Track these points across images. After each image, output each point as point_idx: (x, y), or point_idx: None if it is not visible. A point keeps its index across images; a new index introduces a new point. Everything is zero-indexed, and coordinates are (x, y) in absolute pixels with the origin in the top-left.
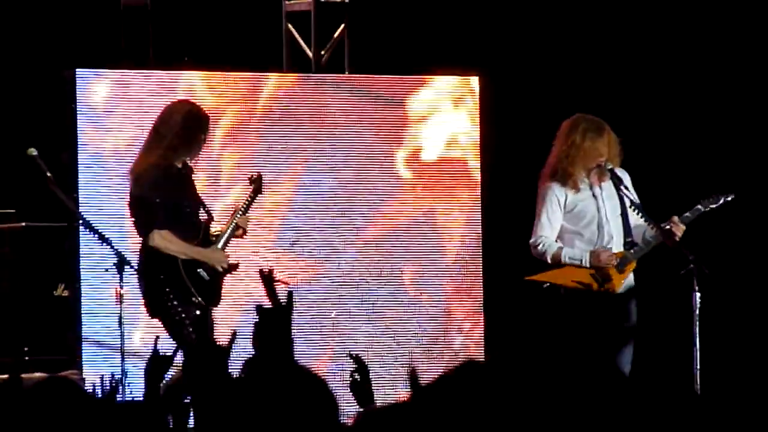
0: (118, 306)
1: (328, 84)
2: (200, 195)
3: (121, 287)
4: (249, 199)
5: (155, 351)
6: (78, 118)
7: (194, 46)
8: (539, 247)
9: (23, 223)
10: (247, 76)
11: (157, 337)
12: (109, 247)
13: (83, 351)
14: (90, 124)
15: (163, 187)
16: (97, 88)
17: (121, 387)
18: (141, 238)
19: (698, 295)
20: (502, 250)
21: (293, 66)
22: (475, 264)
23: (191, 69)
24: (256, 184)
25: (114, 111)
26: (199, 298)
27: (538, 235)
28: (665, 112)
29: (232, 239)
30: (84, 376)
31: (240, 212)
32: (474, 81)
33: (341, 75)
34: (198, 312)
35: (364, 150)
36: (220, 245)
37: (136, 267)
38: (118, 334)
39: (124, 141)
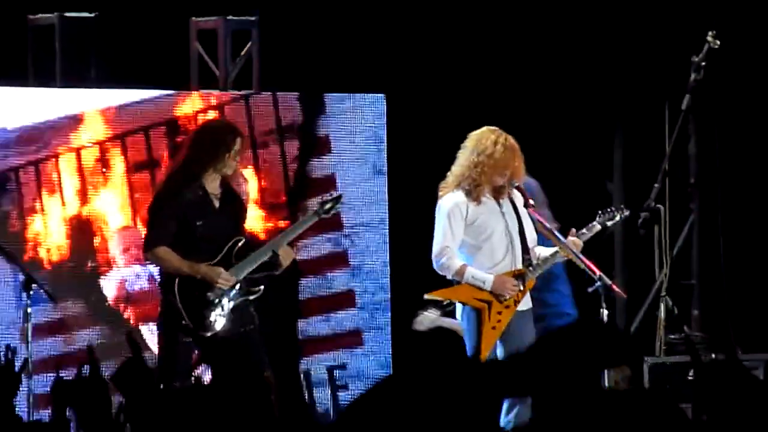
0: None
1: (237, 101)
2: (237, 217)
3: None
4: (303, 223)
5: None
6: None
7: (102, 65)
8: (443, 260)
9: None
10: (155, 94)
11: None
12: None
13: None
14: None
15: (173, 205)
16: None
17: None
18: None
19: (606, 312)
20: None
21: (202, 84)
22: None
23: (97, 88)
24: (325, 207)
25: (16, 129)
26: (188, 322)
27: (442, 246)
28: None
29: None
30: None
31: (284, 235)
32: (381, 99)
33: (249, 92)
34: (185, 336)
35: (271, 168)
36: (232, 271)
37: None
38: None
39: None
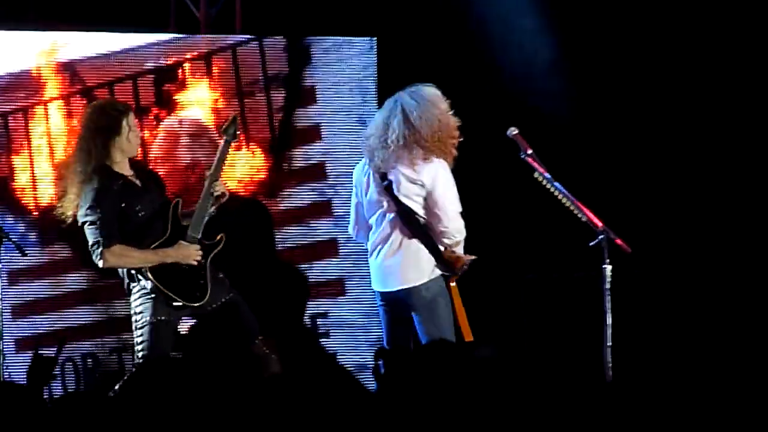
0: None
1: (223, 51)
2: (161, 188)
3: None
4: (220, 153)
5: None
6: None
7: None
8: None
9: None
10: (128, 40)
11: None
12: None
13: None
14: None
15: (102, 201)
16: None
17: None
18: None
19: (609, 268)
20: None
21: (179, 26)
22: None
23: (68, 30)
24: (228, 131)
25: (5, 75)
26: (181, 300)
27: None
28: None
29: (215, 209)
30: None
31: (210, 175)
32: (372, 43)
33: (232, 36)
34: (180, 313)
35: (257, 118)
36: (190, 235)
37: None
38: None
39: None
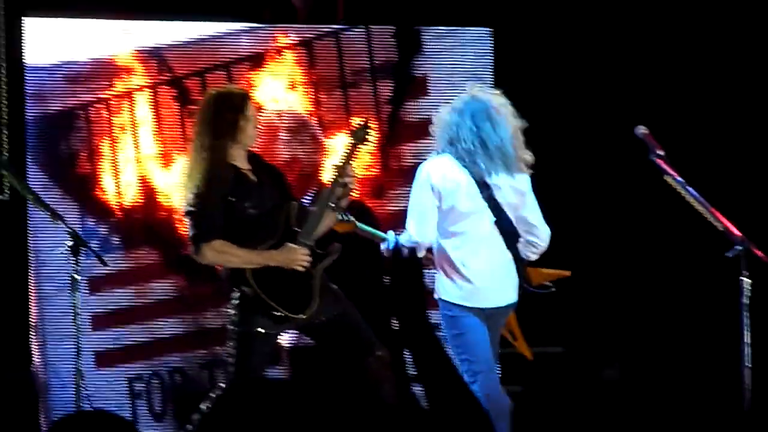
0: (73, 295)
1: (327, 36)
2: (281, 186)
3: (77, 273)
4: (345, 155)
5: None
6: (25, 75)
7: None
8: None
9: None
10: (221, 27)
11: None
12: (62, 225)
13: (33, 346)
14: (37, 82)
15: (209, 191)
16: (46, 40)
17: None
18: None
19: (748, 282)
20: None
21: (275, 17)
22: None
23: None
24: (357, 134)
25: (63, 68)
26: (283, 311)
27: None
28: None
29: (338, 209)
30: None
31: (337, 175)
32: (486, 33)
33: (333, 27)
34: (282, 326)
35: (362, 110)
36: (300, 240)
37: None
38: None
39: (74, 102)
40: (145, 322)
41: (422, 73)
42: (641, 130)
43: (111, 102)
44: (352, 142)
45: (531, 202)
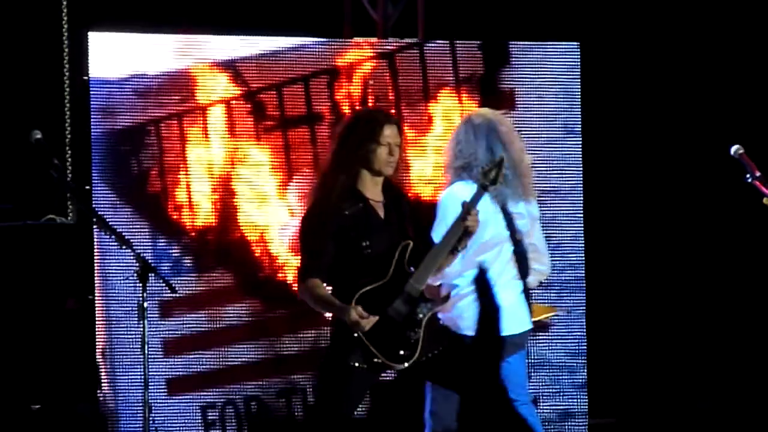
0: (140, 323)
1: (409, 49)
2: (405, 222)
3: (144, 301)
4: (472, 199)
5: None
6: (90, 91)
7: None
8: None
9: (23, 221)
10: (299, 42)
11: None
12: (129, 250)
13: (101, 376)
14: (104, 97)
15: (321, 225)
16: (112, 55)
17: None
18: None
19: None
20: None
21: (356, 31)
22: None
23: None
24: (488, 176)
25: (131, 82)
26: (384, 359)
27: None
28: None
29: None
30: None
31: (463, 217)
32: (573, 48)
33: (414, 40)
34: (378, 373)
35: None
36: (411, 284)
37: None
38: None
39: (144, 117)
40: (219, 347)
41: (509, 87)
42: (737, 150)
43: (183, 117)
44: (483, 183)
45: (539, 229)
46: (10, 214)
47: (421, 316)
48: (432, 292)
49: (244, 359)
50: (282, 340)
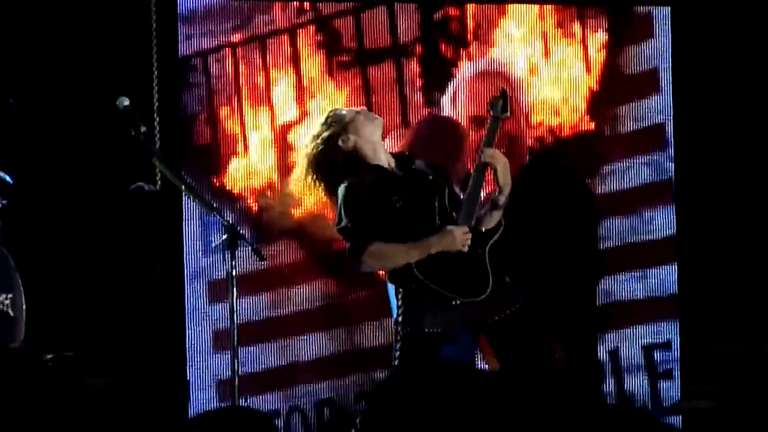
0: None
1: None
2: (428, 174)
3: (233, 270)
4: (489, 127)
5: None
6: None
7: None
8: None
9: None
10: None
11: None
12: (218, 217)
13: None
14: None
15: (353, 200)
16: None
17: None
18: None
19: None
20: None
21: None
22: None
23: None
24: (496, 106)
25: None
26: (458, 297)
27: None
28: None
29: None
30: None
31: (481, 151)
32: (665, 12)
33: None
34: (456, 322)
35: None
36: (461, 221)
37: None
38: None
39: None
40: (284, 338)
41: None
42: None
43: (237, 48)
44: (494, 115)
45: None
46: (99, 183)
47: (480, 250)
48: None
49: (314, 354)
50: (361, 329)
